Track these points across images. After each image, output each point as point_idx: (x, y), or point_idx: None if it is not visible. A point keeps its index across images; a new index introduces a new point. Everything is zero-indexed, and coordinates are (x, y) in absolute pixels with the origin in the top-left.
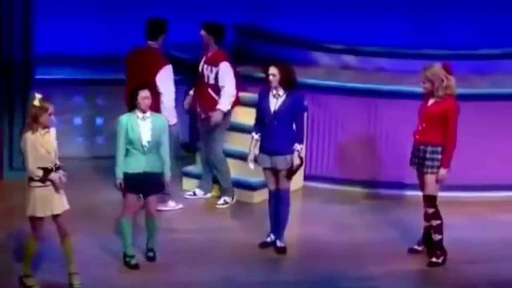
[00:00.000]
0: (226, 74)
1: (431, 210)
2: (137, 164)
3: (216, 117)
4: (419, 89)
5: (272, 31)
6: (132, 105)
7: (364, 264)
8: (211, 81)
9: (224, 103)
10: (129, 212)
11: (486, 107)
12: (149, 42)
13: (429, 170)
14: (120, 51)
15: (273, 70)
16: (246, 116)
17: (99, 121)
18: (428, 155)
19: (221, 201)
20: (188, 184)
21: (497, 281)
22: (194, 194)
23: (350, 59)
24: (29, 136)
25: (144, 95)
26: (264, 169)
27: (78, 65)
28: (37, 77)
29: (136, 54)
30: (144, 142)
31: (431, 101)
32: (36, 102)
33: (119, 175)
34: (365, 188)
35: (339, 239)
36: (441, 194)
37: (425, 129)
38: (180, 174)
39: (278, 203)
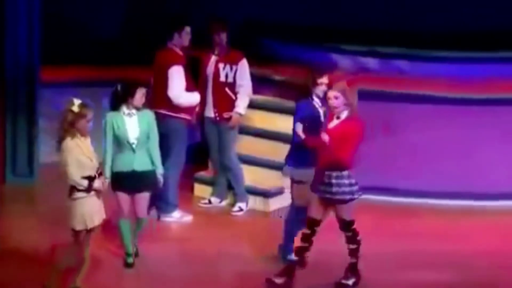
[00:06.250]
0: (245, 72)
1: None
2: (127, 162)
3: (235, 120)
4: (439, 94)
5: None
6: (120, 101)
7: (377, 274)
8: (230, 79)
9: (242, 106)
10: (124, 212)
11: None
12: (168, 42)
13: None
14: None
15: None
16: (261, 120)
17: None
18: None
19: (236, 208)
20: (200, 191)
21: None
22: (210, 202)
23: (369, 61)
24: (69, 142)
25: (143, 92)
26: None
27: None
28: (43, 79)
29: (157, 55)
30: (132, 140)
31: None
32: (75, 108)
33: (106, 175)
34: (380, 196)
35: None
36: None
37: None
38: (192, 182)
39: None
